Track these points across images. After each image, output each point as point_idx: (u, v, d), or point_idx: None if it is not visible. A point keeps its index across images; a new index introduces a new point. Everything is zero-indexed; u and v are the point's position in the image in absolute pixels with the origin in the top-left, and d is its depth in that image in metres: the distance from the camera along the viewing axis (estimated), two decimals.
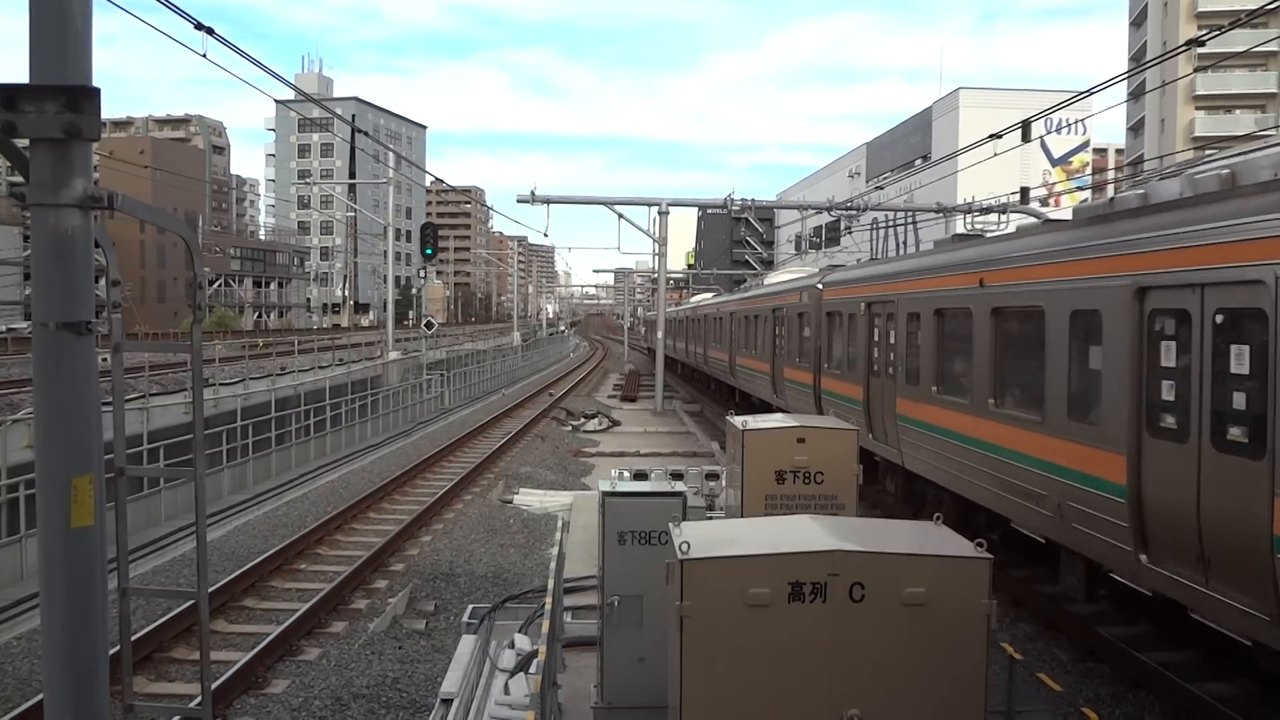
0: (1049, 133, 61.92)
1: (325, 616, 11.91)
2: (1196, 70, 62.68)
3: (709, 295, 52.07)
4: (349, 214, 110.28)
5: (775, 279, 28.84)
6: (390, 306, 42.16)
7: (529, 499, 18.83)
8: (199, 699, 5.35)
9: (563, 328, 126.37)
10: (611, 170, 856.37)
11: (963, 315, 11.68)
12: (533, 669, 6.64)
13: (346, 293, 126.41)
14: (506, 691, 7.56)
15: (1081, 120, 63.83)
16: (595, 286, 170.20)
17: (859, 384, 15.55)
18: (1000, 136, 19.37)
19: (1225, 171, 7.80)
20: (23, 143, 2.86)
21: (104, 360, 3.38)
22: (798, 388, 20.00)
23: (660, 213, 33.29)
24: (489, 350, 55.04)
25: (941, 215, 35.28)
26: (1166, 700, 8.44)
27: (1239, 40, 51.95)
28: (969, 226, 29.92)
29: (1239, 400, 6.90)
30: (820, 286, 18.54)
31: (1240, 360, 6.89)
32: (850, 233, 69.83)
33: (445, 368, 40.49)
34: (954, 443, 11.54)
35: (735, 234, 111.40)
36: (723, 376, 33.55)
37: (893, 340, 14.09)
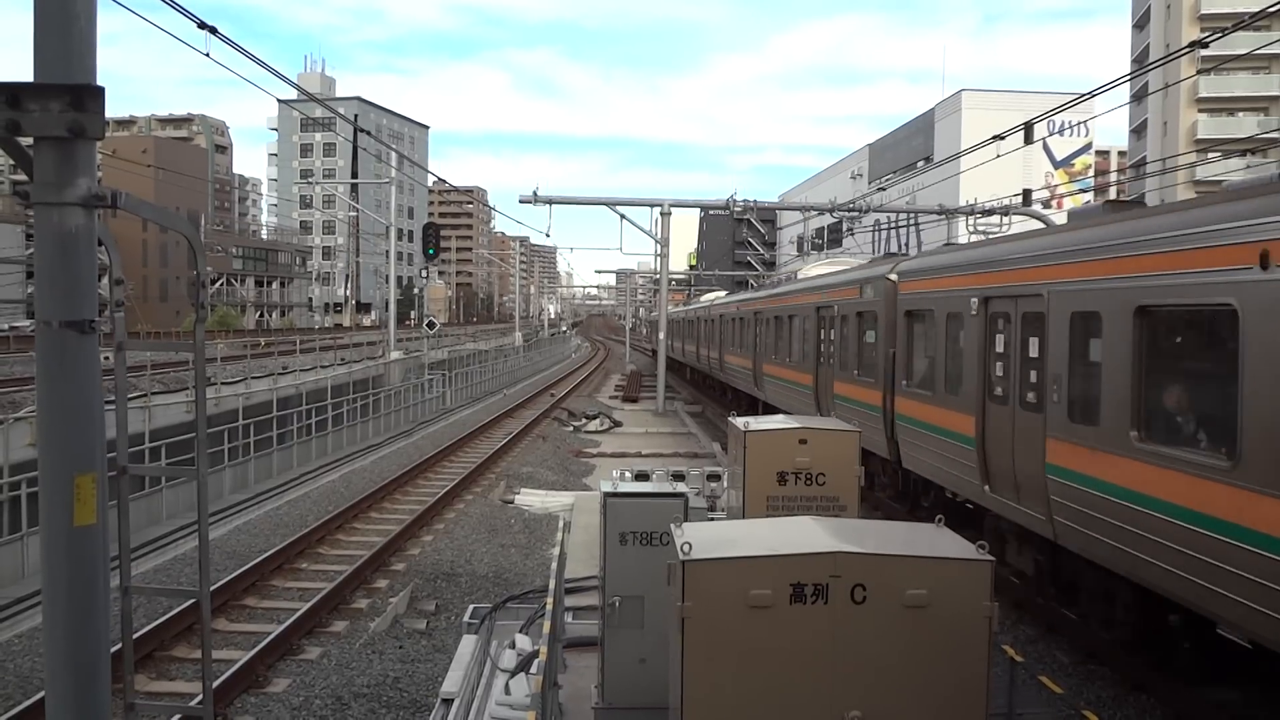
0: (1051, 135, 61.87)
1: (326, 616, 11.91)
2: (1199, 73, 62.73)
3: (721, 293, 47.64)
4: (351, 214, 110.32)
5: (813, 271, 24.24)
6: (392, 306, 42.20)
7: (530, 499, 18.83)
8: (200, 697, 5.37)
9: (564, 328, 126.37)
10: (614, 171, 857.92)
11: (1207, 317, 7.53)
12: (533, 669, 6.65)
13: (348, 292, 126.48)
14: (507, 691, 7.56)
15: (1084, 122, 63.78)
16: (597, 287, 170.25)
17: (967, 412, 11.12)
18: (1003, 138, 19.38)
19: None
20: (27, 141, 2.86)
21: (106, 359, 3.38)
22: (856, 408, 15.50)
23: (662, 214, 33.31)
24: (490, 350, 55.07)
25: (944, 217, 35.31)
26: (1167, 703, 8.42)
27: (1242, 43, 51.91)
28: (971, 228, 29.98)
29: None
30: (894, 277, 14.34)
31: None
32: (852, 234, 69.84)
33: (447, 368, 40.51)
34: (1183, 526, 7.17)
35: (737, 235, 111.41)
36: (744, 386, 28.85)
37: (1034, 353, 9.70)
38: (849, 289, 16.77)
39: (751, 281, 59.56)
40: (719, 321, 34.38)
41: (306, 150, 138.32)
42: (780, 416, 12.31)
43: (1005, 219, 29.98)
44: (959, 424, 11.46)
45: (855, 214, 38.76)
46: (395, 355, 37.99)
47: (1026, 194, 32.31)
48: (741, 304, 30.24)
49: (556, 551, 8.37)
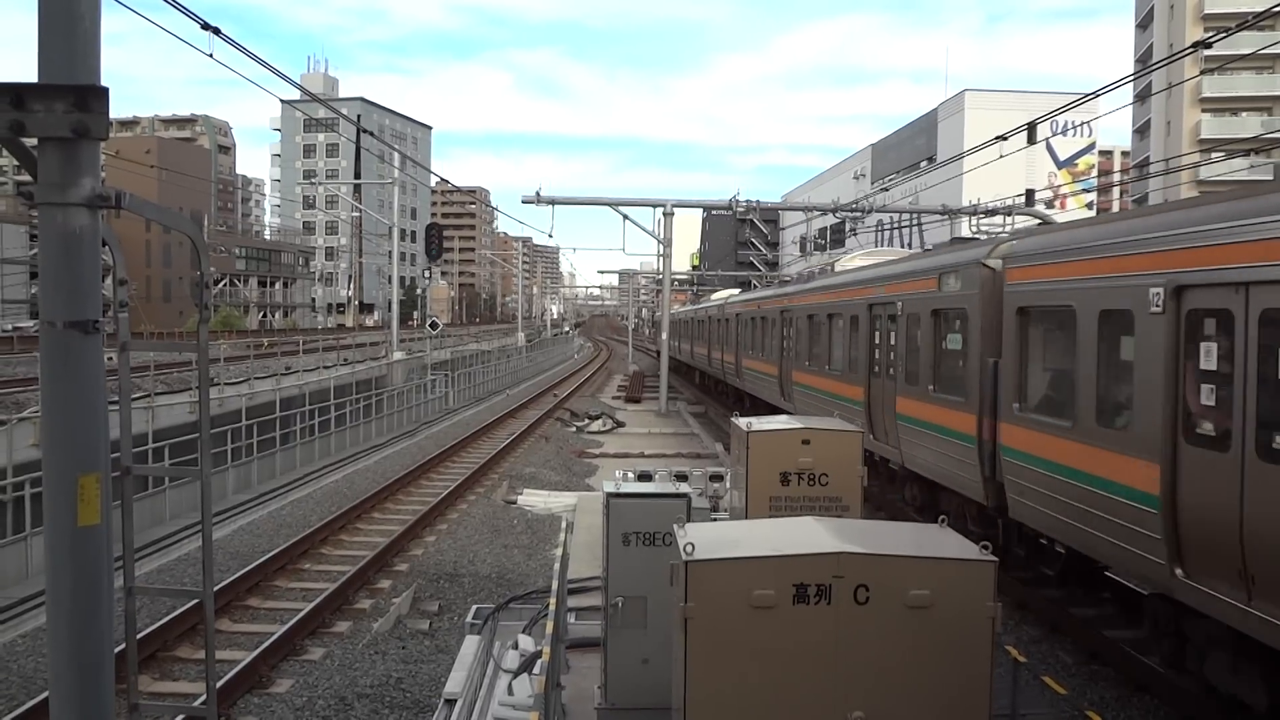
0: (1055, 135, 61.83)
1: (329, 616, 11.92)
2: (1203, 73, 62.65)
3: (735, 291, 43.79)
4: (354, 214, 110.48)
5: (857, 262, 20.54)
6: (395, 307, 42.19)
7: (533, 500, 18.84)
8: (203, 698, 5.38)
9: (567, 329, 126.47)
10: (616, 171, 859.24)
11: None
12: (536, 669, 6.65)
13: (351, 293, 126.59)
14: (510, 692, 7.57)
15: (1087, 122, 63.74)
16: (600, 287, 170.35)
17: (1142, 456, 7.72)
18: (1006, 138, 19.35)
19: None
20: (31, 141, 2.86)
21: (110, 359, 3.38)
22: (933, 434, 12.50)
23: (665, 214, 33.32)
24: (493, 351, 55.10)
25: (947, 217, 35.28)
26: (1171, 704, 8.42)
27: (1246, 42, 51.90)
28: (974, 229, 29.98)
29: None
30: (995, 264, 11.09)
31: None
32: (855, 234, 69.98)
33: (449, 368, 40.53)
34: None
35: (740, 235, 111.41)
36: (767, 396, 24.95)
37: None
38: (921, 280, 13.45)
39: (754, 281, 59.48)
40: (735, 322, 30.96)
41: (309, 151, 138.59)
42: (783, 417, 12.30)
43: (1008, 219, 29.95)
44: (1125, 472, 7.95)
45: (858, 214, 38.69)
46: (398, 355, 38.01)
47: (1030, 194, 32.31)
48: (764, 301, 26.61)
49: (559, 552, 8.37)
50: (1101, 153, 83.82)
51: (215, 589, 8.74)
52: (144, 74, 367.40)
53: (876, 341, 15.29)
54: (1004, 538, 11.16)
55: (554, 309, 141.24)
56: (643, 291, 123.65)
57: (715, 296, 44.98)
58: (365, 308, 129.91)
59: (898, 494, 14.87)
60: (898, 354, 14.15)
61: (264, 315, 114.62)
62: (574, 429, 30.68)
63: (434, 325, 43.35)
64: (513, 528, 16.58)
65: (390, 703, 9.29)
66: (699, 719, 4.17)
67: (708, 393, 41.71)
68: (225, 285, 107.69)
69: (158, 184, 73.11)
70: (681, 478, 7.54)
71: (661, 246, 35.09)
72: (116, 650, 3.24)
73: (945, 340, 12.53)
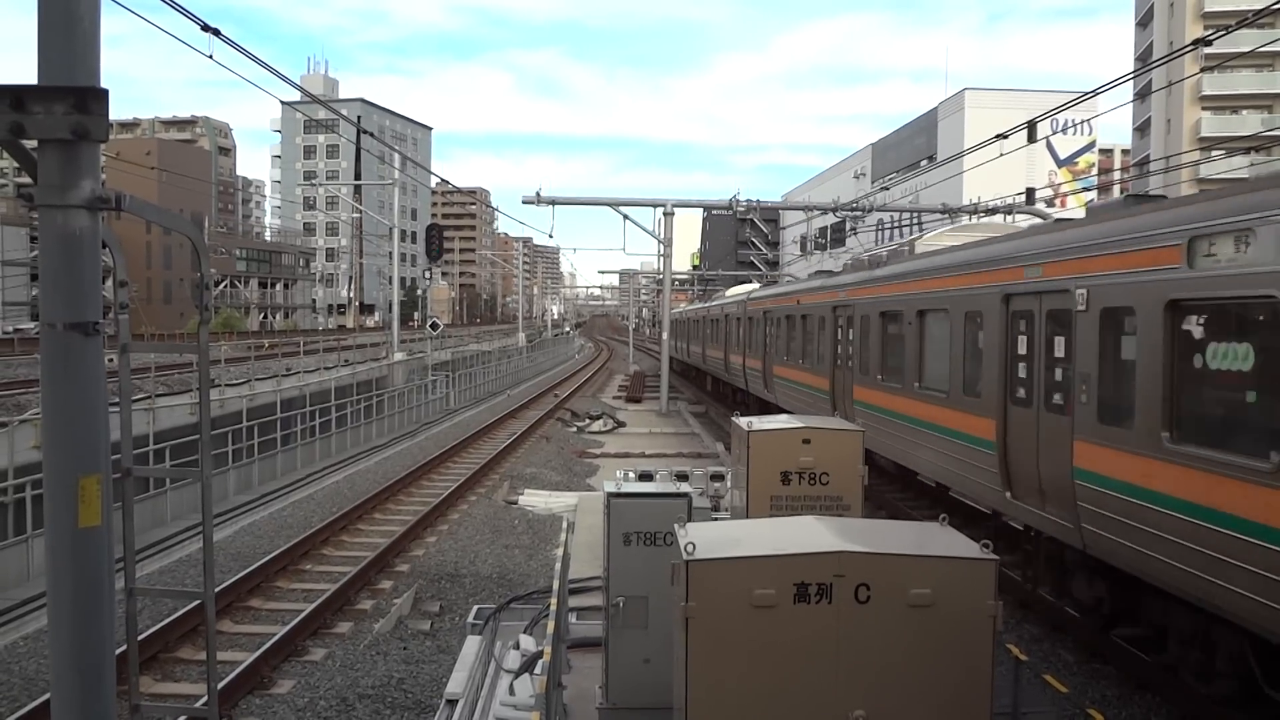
0: (1055, 133, 61.84)
1: (331, 617, 11.92)
2: (1203, 70, 62.66)
3: (755, 285, 38.02)
4: (354, 215, 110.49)
5: (946, 241, 15.51)
6: (396, 308, 42.18)
7: (534, 500, 18.84)
8: (205, 699, 5.37)
9: (567, 329, 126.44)
10: (617, 171, 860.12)
11: None
12: (538, 670, 6.67)
13: (352, 294, 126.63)
14: (511, 692, 7.57)
15: (1087, 121, 63.80)
16: (600, 287, 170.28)
17: None
18: (1006, 137, 19.36)
19: None
20: (31, 144, 2.86)
21: (110, 361, 3.39)
22: (1176, 516, 7.31)
23: (665, 214, 33.33)
24: (494, 351, 55.12)
25: (947, 216, 35.28)
26: (1172, 702, 8.42)
27: (1245, 40, 51.83)
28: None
29: None
30: None
31: None
32: (856, 234, 70.01)
33: (450, 369, 40.53)
34: None
35: (740, 235, 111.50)
36: (807, 412, 19.44)
37: None
38: (1134, 252, 8.06)
39: (753, 280, 59.44)
40: (762, 321, 26.11)
41: (310, 152, 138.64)
42: (784, 416, 12.29)
43: (1009, 218, 29.96)
44: None
45: (858, 213, 38.67)
46: (399, 356, 38.02)
47: (1030, 193, 32.29)
48: (806, 295, 21.23)
49: (560, 552, 8.38)
50: (1102, 151, 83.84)
51: (216, 590, 8.73)
52: (144, 76, 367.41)
53: (1020, 351, 10.18)
54: None
55: (554, 309, 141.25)
56: (643, 291, 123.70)
57: (732, 291, 39.67)
58: (366, 309, 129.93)
59: (1047, 581, 10.37)
60: (1073, 373, 8.96)
61: (264, 317, 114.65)
62: (575, 429, 30.68)
63: (434, 326, 43.33)
64: (514, 528, 16.58)
65: (392, 703, 9.29)
66: (700, 718, 4.17)
67: (720, 400, 37.88)
68: (226, 287, 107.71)
69: (158, 186, 73.18)
70: (682, 477, 7.55)
71: (662, 246, 35.08)
72: (118, 651, 3.24)
73: (1204, 355, 7.37)
